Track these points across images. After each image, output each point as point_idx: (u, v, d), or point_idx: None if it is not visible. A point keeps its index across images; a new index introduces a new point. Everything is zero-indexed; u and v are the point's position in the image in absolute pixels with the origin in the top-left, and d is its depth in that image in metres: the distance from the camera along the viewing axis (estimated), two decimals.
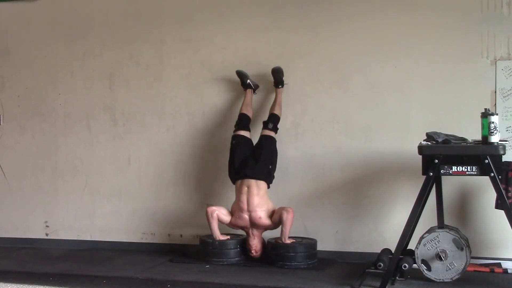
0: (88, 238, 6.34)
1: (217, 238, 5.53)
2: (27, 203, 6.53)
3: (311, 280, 4.92)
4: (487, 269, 5.13)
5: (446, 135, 4.79)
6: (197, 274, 5.13)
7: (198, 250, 5.68)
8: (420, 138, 4.83)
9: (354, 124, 5.66)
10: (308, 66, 5.78)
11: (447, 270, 4.76)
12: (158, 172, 6.18)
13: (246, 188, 5.48)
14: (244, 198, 5.47)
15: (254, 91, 5.87)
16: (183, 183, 6.12)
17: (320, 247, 5.54)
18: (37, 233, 6.47)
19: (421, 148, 4.67)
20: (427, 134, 4.82)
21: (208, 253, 5.54)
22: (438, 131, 4.91)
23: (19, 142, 6.56)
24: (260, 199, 5.46)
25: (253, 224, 5.48)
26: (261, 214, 5.44)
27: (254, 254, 5.52)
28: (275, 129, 5.65)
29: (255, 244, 5.50)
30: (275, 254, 5.40)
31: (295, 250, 5.36)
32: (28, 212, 6.52)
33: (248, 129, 5.74)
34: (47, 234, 6.46)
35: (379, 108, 5.60)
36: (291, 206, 5.41)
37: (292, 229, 5.43)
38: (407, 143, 5.26)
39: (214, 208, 5.52)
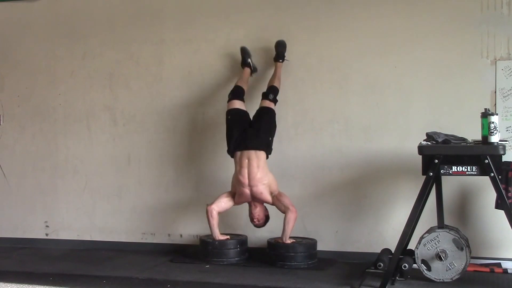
0: (88, 238, 6.34)
1: (217, 238, 5.53)
2: (27, 203, 6.53)
3: (311, 280, 4.92)
4: (487, 269, 5.13)
5: (446, 135, 4.79)
6: (197, 274, 5.13)
7: (198, 250, 5.68)
8: (420, 138, 4.83)
9: (354, 124, 5.66)
10: (308, 66, 5.78)
11: (447, 270, 4.76)
12: (158, 172, 6.18)
13: (246, 160, 5.42)
14: (244, 172, 5.42)
15: (251, 73, 5.85)
16: (183, 183, 6.12)
17: (320, 247, 5.54)
18: (37, 233, 6.47)
19: (421, 148, 4.67)
20: (427, 134, 4.82)
21: (208, 253, 5.54)
22: (438, 131, 4.92)
23: (19, 142, 6.56)
24: (261, 172, 5.40)
25: (254, 198, 5.46)
26: (262, 189, 5.41)
27: (257, 222, 5.56)
28: (274, 101, 5.62)
29: (257, 213, 5.52)
30: (275, 254, 5.40)
31: (295, 250, 5.36)
32: (28, 212, 6.52)
33: (242, 100, 5.67)
34: (47, 234, 6.46)
35: (379, 108, 5.60)
36: (294, 205, 5.40)
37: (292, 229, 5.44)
38: (407, 143, 5.26)
39: (213, 206, 5.49)
